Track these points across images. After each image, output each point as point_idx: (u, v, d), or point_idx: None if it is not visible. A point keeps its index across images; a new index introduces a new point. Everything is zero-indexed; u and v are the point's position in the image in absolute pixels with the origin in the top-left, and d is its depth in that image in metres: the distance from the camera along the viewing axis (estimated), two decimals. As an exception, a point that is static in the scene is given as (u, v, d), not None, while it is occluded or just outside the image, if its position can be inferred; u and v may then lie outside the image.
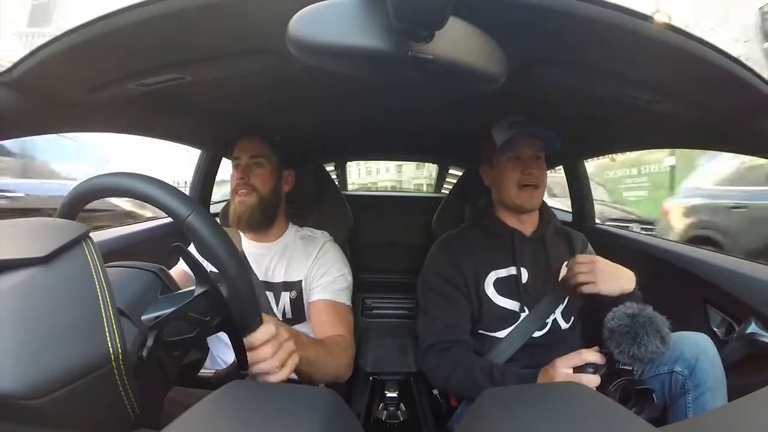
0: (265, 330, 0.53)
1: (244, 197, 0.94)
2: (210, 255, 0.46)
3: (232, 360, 0.55)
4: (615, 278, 0.81)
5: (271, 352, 0.54)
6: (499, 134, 0.95)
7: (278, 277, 0.96)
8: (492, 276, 0.93)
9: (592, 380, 0.66)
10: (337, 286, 0.94)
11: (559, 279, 0.93)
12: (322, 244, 0.99)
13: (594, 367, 0.67)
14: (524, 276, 0.93)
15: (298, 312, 0.95)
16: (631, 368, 0.65)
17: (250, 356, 0.52)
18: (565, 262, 0.90)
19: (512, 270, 0.93)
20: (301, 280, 0.95)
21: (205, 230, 0.46)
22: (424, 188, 4.99)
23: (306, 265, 0.96)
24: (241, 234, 1.00)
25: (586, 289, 0.81)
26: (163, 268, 0.49)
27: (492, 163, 0.98)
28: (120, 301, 0.40)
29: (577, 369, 0.68)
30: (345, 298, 0.93)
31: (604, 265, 0.82)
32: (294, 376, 0.92)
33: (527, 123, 0.92)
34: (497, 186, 0.97)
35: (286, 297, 0.95)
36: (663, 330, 0.64)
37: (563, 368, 0.69)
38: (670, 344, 0.65)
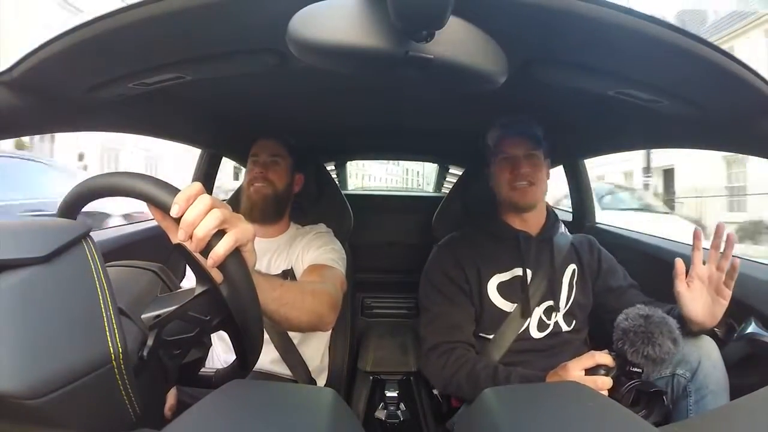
0: (186, 189, 0.43)
1: (261, 188, 0.99)
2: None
3: (233, 360, 0.55)
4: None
5: (200, 209, 0.43)
6: (491, 136, 0.96)
7: (279, 269, 0.98)
8: (495, 279, 0.92)
9: (606, 382, 0.66)
10: (325, 253, 0.94)
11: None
12: (318, 231, 1.05)
13: (605, 369, 0.67)
14: (529, 277, 0.92)
15: None
16: (641, 371, 0.65)
17: (181, 230, 0.43)
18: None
19: (517, 271, 0.92)
20: (291, 267, 0.97)
21: None
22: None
23: (297, 251, 0.99)
24: None
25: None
26: (163, 266, 0.49)
27: (489, 165, 0.99)
28: (121, 300, 0.40)
29: (589, 371, 0.68)
30: (330, 261, 0.92)
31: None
32: (282, 372, 0.94)
33: (515, 123, 0.93)
34: (495, 187, 0.98)
35: None
36: (675, 332, 0.65)
37: (575, 370, 0.68)
38: (681, 346, 0.65)
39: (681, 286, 0.74)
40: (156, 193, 0.43)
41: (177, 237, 0.43)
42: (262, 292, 0.52)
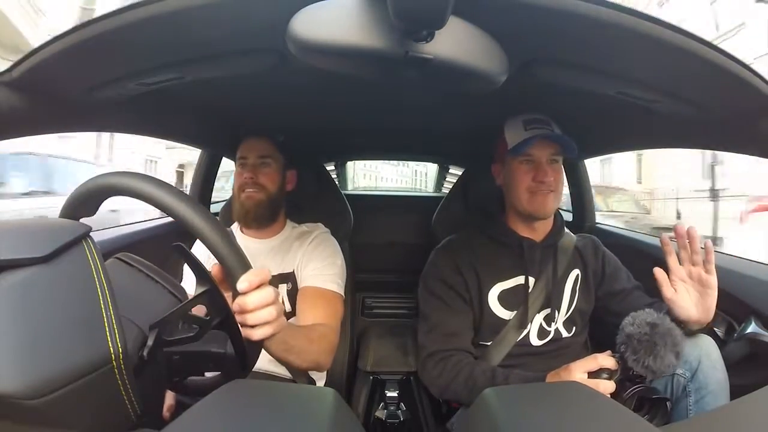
0: (260, 273, 0.49)
1: (253, 194, 0.95)
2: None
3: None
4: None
5: (263, 302, 0.49)
6: (512, 134, 0.88)
7: (274, 271, 0.96)
8: (497, 288, 0.89)
9: (608, 386, 0.65)
10: (326, 272, 0.93)
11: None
12: (316, 235, 1.01)
13: (608, 373, 0.66)
14: (530, 286, 0.89)
15: (295, 304, 0.95)
16: (644, 375, 0.64)
17: (239, 305, 0.48)
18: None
19: (519, 280, 0.89)
20: (293, 271, 0.96)
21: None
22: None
23: (298, 255, 0.96)
24: (237, 230, 1.02)
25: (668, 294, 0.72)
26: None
27: (503, 163, 0.91)
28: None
29: (592, 374, 0.67)
30: (333, 284, 0.92)
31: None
32: (281, 373, 0.94)
33: (543, 123, 0.86)
34: (508, 189, 0.91)
35: (282, 290, 0.96)
36: (679, 345, 0.63)
37: (578, 372, 0.67)
38: (682, 360, 0.64)
39: (668, 292, 0.73)
40: (232, 261, 0.47)
41: (230, 304, 0.48)
42: (276, 345, 0.57)
